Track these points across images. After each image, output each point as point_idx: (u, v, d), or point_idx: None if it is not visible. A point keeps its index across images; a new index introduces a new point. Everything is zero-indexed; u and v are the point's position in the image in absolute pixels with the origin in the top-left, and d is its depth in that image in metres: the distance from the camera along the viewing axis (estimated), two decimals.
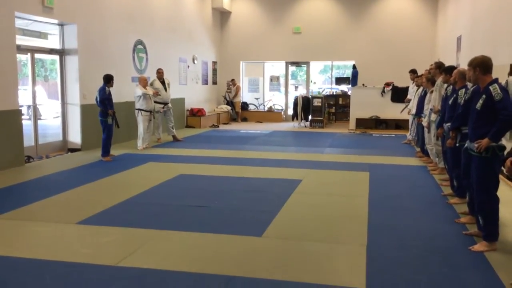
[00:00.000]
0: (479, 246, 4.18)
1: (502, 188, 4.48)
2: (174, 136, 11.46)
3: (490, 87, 4.16)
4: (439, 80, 7.08)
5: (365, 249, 4.18)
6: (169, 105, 11.38)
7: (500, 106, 4.05)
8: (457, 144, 5.15)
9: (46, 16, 8.66)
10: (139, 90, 9.89)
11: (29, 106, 9.01)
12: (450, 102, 5.83)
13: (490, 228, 4.17)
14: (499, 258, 3.99)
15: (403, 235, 4.60)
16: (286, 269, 3.76)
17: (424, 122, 7.95)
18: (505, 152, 4.01)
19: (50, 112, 10.69)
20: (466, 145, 4.53)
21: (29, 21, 8.86)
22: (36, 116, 9.07)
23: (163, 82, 11.23)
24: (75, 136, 9.75)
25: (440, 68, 7.25)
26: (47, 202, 5.79)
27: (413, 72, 11.18)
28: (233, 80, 17.65)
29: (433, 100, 7.32)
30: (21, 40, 8.53)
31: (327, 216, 5.25)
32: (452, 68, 6.29)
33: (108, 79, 8.68)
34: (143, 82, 10.12)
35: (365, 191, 6.37)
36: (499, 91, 4.09)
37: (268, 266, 3.84)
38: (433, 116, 7.22)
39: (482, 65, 4.32)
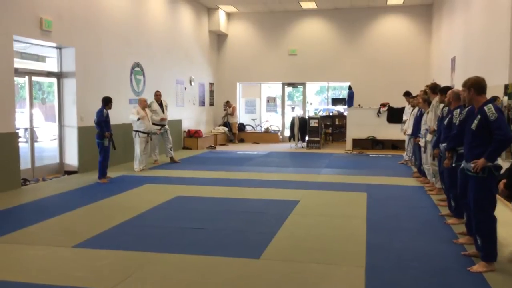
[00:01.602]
0: (478, 267, 4.16)
1: (500, 208, 4.48)
2: (171, 158, 11.46)
3: (485, 108, 4.19)
4: (435, 101, 7.14)
5: (364, 270, 4.16)
6: (166, 126, 11.41)
7: (495, 126, 4.08)
8: (453, 164, 5.17)
9: (44, 40, 8.73)
10: (133, 116, 9.88)
11: (26, 129, 9.01)
12: (445, 122, 5.87)
13: (488, 249, 4.16)
14: (498, 278, 3.97)
15: (401, 256, 4.58)
16: None
17: (421, 143, 7.99)
18: (501, 172, 4.03)
19: (47, 134, 10.69)
20: (462, 165, 4.54)
21: (27, 44, 8.93)
22: (33, 138, 9.06)
23: (160, 104, 11.30)
24: (72, 159, 9.73)
25: (434, 89, 7.32)
26: (43, 225, 5.75)
27: (407, 94, 11.28)
28: (227, 102, 17.73)
29: (429, 121, 7.37)
30: (19, 63, 8.58)
31: (325, 237, 5.23)
32: (447, 89, 6.35)
33: (107, 102, 8.72)
34: (143, 104, 10.17)
35: (362, 212, 6.36)
36: (494, 111, 4.12)
37: None
38: (429, 137, 7.26)
39: (477, 85, 4.37)
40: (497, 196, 4.13)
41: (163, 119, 10.31)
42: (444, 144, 5.68)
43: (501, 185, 3.39)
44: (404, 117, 11.23)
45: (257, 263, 4.40)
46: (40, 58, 9.62)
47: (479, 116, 4.24)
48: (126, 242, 5.01)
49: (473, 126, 4.29)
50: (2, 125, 7.73)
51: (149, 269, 4.24)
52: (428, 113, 7.59)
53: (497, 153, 4.15)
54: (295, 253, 4.70)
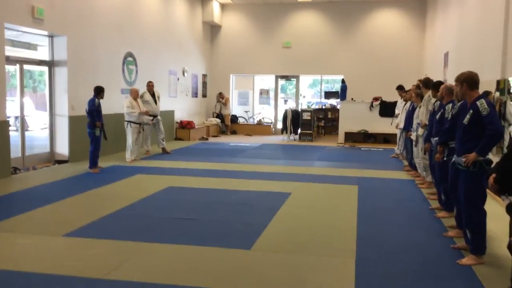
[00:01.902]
0: (467, 260, 4.20)
1: (490, 202, 4.52)
2: (163, 149, 11.42)
3: (477, 102, 4.22)
4: (427, 95, 7.17)
5: (354, 262, 4.18)
6: (159, 117, 11.36)
7: (487, 121, 4.10)
8: (445, 159, 5.20)
9: (36, 28, 8.64)
10: (126, 107, 9.82)
11: (16, 117, 8.94)
12: (437, 117, 5.90)
13: (477, 242, 4.20)
14: (487, 271, 4.01)
15: (391, 248, 4.61)
16: (275, 283, 3.75)
17: (413, 137, 8.03)
18: (492, 166, 4.06)
19: (38, 123, 10.61)
20: (453, 159, 4.57)
21: (19, 32, 8.83)
22: (23, 127, 8.99)
23: (153, 95, 11.24)
24: (62, 148, 9.67)
25: (427, 83, 7.35)
26: (33, 213, 5.72)
27: (400, 88, 11.31)
28: (220, 93, 17.69)
29: (421, 115, 7.41)
30: (10, 51, 8.49)
31: (316, 229, 5.25)
32: (440, 84, 6.38)
33: (99, 91, 8.65)
34: (134, 94, 10.10)
35: (353, 205, 6.39)
36: (486, 106, 4.15)
37: (257, 279, 3.82)
38: (421, 131, 7.29)
39: (469, 80, 4.39)
40: (487, 190, 4.16)
41: (145, 112, 10.06)
42: (436, 138, 5.71)
43: (491, 179, 3.42)
44: (396, 111, 11.27)
45: (248, 254, 4.41)
46: (32, 46, 9.51)
47: (471, 111, 4.26)
48: (117, 232, 5.00)
49: (465, 120, 4.31)
50: None
51: (140, 258, 4.23)
52: (420, 107, 7.62)
53: (489, 147, 4.18)
54: (286, 244, 4.72)
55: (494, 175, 3.44)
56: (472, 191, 4.23)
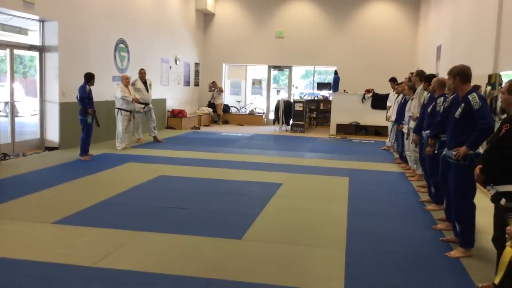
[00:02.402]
0: (455, 252, 4.24)
1: (479, 196, 4.55)
2: (155, 137, 11.37)
3: (469, 96, 4.23)
4: (419, 88, 7.19)
5: (344, 253, 4.21)
6: (150, 105, 11.29)
7: (478, 115, 4.12)
8: (436, 151, 5.22)
9: (26, 12, 8.51)
10: (119, 92, 9.76)
11: (6, 103, 8.84)
12: (429, 110, 5.92)
13: (466, 235, 4.24)
14: (475, 264, 4.06)
15: (381, 240, 4.65)
16: (265, 273, 3.76)
17: (404, 129, 8.05)
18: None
19: (28, 109, 10.51)
20: (444, 152, 4.59)
21: (9, 16, 8.69)
22: (13, 113, 8.89)
23: (145, 83, 11.15)
24: (53, 135, 9.58)
25: (420, 76, 7.36)
26: (22, 200, 5.67)
27: (392, 80, 11.32)
28: (214, 82, 17.61)
29: (413, 108, 7.43)
30: (0, 35, 8.36)
31: (306, 220, 5.27)
32: (432, 76, 6.39)
33: (89, 78, 8.57)
34: (125, 81, 10.01)
35: (344, 196, 6.42)
36: (477, 100, 4.16)
37: (247, 269, 3.83)
38: (412, 124, 7.32)
39: (462, 74, 4.40)
40: (477, 183, 4.20)
41: (136, 99, 10.01)
42: (427, 132, 5.73)
43: (476, 170, 3.45)
44: (388, 104, 11.30)
45: (239, 243, 4.42)
46: (22, 31, 9.37)
47: (463, 105, 4.28)
48: (107, 220, 4.98)
49: (457, 114, 4.33)
50: None
51: (130, 247, 4.22)
52: (412, 100, 7.64)
53: (479, 141, 4.21)
54: (277, 234, 4.74)
55: (480, 165, 3.47)
56: (462, 184, 4.26)
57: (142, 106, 10.96)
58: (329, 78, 18.23)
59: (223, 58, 18.05)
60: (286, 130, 15.52)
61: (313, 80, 18.85)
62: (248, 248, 4.32)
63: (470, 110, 4.18)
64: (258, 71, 19.14)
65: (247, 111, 18.25)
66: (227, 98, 18.54)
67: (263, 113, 18.16)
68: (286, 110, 15.44)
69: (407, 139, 7.90)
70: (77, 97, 8.55)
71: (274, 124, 16.19)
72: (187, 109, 15.72)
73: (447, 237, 4.67)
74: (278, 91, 19.30)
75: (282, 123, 15.54)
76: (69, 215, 5.10)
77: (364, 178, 7.83)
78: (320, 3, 17.08)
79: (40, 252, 4.00)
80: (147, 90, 11.15)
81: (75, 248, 4.15)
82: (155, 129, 11.37)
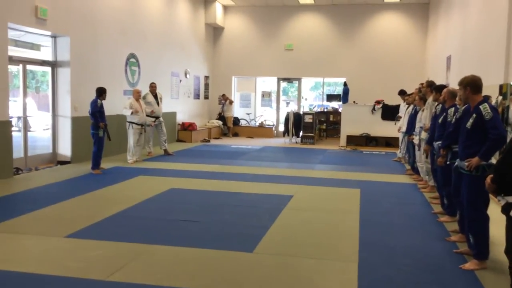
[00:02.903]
0: (470, 265, 4.19)
1: (492, 207, 4.51)
2: (165, 150, 11.42)
3: (481, 107, 4.21)
4: (430, 99, 7.16)
5: (357, 266, 4.17)
6: (161, 118, 11.37)
7: (490, 125, 4.09)
8: (448, 162, 5.18)
9: (39, 28, 8.65)
10: (124, 108, 9.82)
11: (19, 118, 8.95)
12: (440, 120, 5.89)
13: (480, 247, 4.19)
14: (489, 276, 4.00)
15: (394, 252, 4.60)
16: (278, 286, 3.74)
17: (415, 140, 8.01)
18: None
19: (40, 124, 10.62)
20: (456, 163, 4.56)
21: (22, 33, 8.85)
22: (26, 127, 9.00)
23: (155, 96, 11.25)
24: (65, 149, 9.67)
25: (431, 86, 7.34)
26: (35, 214, 5.72)
27: (402, 93, 11.30)
28: (223, 95, 17.70)
29: (424, 118, 7.39)
30: (13, 51, 8.50)
31: (318, 232, 5.25)
32: (442, 87, 6.37)
33: (101, 92, 8.67)
34: (136, 95, 10.10)
35: (356, 208, 6.38)
36: (489, 110, 4.14)
37: (259, 282, 3.81)
38: (424, 134, 7.28)
39: (473, 84, 4.39)
40: (490, 194, 4.15)
41: (136, 111, 10.12)
42: (439, 142, 5.70)
43: (488, 179, 3.41)
44: (399, 114, 11.27)
45: (251, 256, 4.41)
46: (35, 47, 9.53)
47: (474, 115, 4.26)
48: (119, 233, 5.00)
49: (468, 124, 4.31)
50: None
51: (142, 260, 4.23)
52: (423, 110, 7.61)
53: (492, 151, 4.17)
54: (289, 247, 4.71)
55: (491, 175, 3.43)
56: (474, 195, 4.22)
57: (153, 119, 11.04)
58: (338, 90, 18.25)
59: (232, 71, 18.16)
60: (296, 142, 15.51)
61: (323, 92, 18.86)
62: (260, 261, 4.31)
63: (482, 121, 4.16)
64: (267, 83, 19.21)
65: (257, 124, 18.28)
66: (237, 111, 18.61)
67: (273, 125, 18.18)
68: (296, 122, 15.45)
69: (418, 150, 7.85)
70: (88, 111, 8.64)
71: (284, 136, 16.20)
72: (197, 122, 15.80)
73: (461, 249, 4.61)
74: (287, 103, 19.34)
75: (292, 135, 15.55)
76: (82, 228, 5.13)
77: (375, 189, 7.79)
78: (329, 15, 17.16)
79: (53, 266, 4.02)
80: (158, 104, 11.23)
81: (88, 261, 4.16)
82: (165, 142, 11.43)
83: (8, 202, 6.39)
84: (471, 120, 4.27)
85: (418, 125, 7.86)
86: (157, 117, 11.21)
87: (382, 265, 4.22)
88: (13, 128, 8.26)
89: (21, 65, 8.86)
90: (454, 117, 5.16)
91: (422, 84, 9.34)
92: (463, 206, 4.45)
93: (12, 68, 8.83)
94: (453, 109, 5.45)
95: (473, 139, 4.25)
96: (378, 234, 5.20)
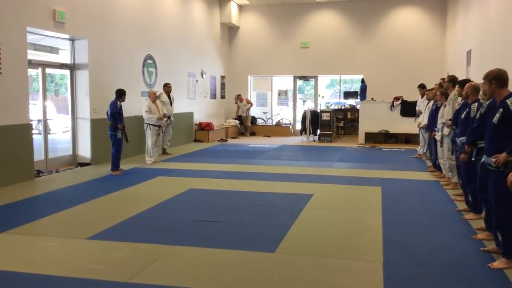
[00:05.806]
0: (499, 263, 4.07)
1: None
2: (164, 150, 11.43)
3: (507, 101, 4.09)
4: (453, 94, 7.02)
5: (381, 265, 4.09)
6: (172, 118, 11.40)
7: None
8: (473, 159, 5.06)
9: (57, 31, 8.72)
10: (144, 112, 9.85)
11: (39, 121, 9.04)
12: (462, 116, 5.76)
13: (509, 245, 4.06)
14: None
15: (418, 251, 4.50)
16: (301, 286, 3.68)
17: (437, 136, 7.86)
18: None
19: (60, 126, 10.72)
20: (482, 159, 4.44)
21: (40, 36, 8.93)
22: (46, 130, 9.08)
23: (169, 96, 11.29)
24: (85, 151, 9.75)
25: (453, 81, 7.20)
26: (57, 216, 5.75)
27: (421, 87, 11.15)
28: (239, 95, 17.66)
29: (446, 114, 7.25)
30: (32, 55, 8.59)
31: (340, 232, 5.17)
32: (466, 82, 6.24)
33: (121, 94, 8.71)
34: (153, 97, 10.12)
35: (378, 206, 6.28)
36: None
37: (282, 283, 3.76)
38: (446, 130, 7.14)
39: (498, 78, 4.28)
40: None
41: (164, 115, 10.15)
42: (462, 138, 5.57)
43: (509, 177, 3.30)
44: (417, 108, 11.10)
45: (273, 257, 4.35)
46: (54, 50, 9.62)
47: (501, 110, 4.14)
48: (140, 235, 4.99)
49: (495, 119, 4.19)
50: (16, 116, 7.74)
51: (164, 262, 4.21)
52: (445, 106, 7.46)
53: None
54: (310, 247, 4.65)
55: None
56: (503, 192, 4.08)
57: (166, 119, 11.04)
58: (355, 87, 18.07)
59: (248, 70, 18.13)
60: (314, 140, 15.41)
61: (339, 89, 18.71)
62: (282, 261, 4.25)
63: (509, 115, 4.04)
64: (284, 82, 19.13)
65: (274, 122, 18.22)
66: (253, 110, 18.56)
67: (290, 123, 18.10)
68: (313, 120, 15.35)
69: (441, 146, 7.70)
70: (107, 113, 8.68)
71: (301, 134, 16.11)
72: (214, 122, 15.80)
73: (489, 248, 4.49)
74: (304, 101, 19.23)
75: (310, 133, 15.44)
76: (103, 230, 5.13)
77: (397, 187, 7.67)
78: (344, 12, 17.01)
79: (75, 268, 4.02)
80: (171, 104, 11.28)
81: (109, 263, 4.16)
82: (168, 142, 11.48)
83: (29, 205, 6.44)
84: (497, 115, 4.15)
85: (440, 121, 7.70)
86: (168, 117, 11.21)
87: (407, 265, 4.13)
88: (33, 131, 8.33)
89: (40, 69, 8.95)
90: (478, 112, 5.03)
91: (442, 79, 9.17)
92: (490, 203, 4.33)
93: (32, 71, 8.91)
94: (476, 104, 5.32)
95: (500, 135, 4.13)
96: (402, 233, 5.10)
